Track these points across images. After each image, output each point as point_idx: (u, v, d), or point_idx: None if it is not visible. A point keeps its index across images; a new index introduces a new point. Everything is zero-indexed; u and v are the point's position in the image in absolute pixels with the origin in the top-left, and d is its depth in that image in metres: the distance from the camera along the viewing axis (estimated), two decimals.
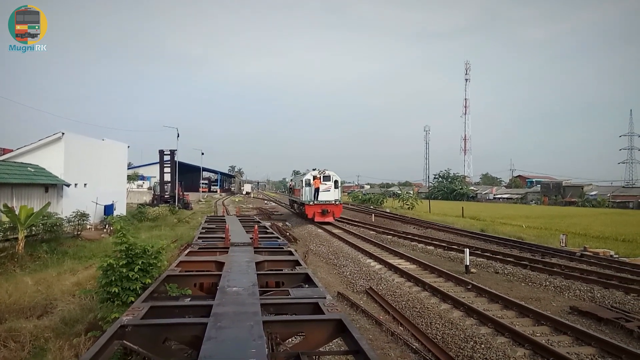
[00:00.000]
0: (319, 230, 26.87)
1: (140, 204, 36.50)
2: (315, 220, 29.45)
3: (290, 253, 8.20)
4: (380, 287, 12.97)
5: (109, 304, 7.02)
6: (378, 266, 15.78)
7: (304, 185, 31.65)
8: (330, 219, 29.93)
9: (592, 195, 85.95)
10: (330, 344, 5.65)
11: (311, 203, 30.14)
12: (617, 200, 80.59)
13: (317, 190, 30.40)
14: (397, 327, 9.53)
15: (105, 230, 23.01)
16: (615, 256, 18.81)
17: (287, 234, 24.13)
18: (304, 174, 33.41)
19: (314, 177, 31.07)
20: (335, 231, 26.00)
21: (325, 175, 31.40)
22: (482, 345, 8.20)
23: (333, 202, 30.59)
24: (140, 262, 7.09)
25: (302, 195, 32.20)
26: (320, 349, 4.47)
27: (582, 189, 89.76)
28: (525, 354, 7.82)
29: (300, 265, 7.04)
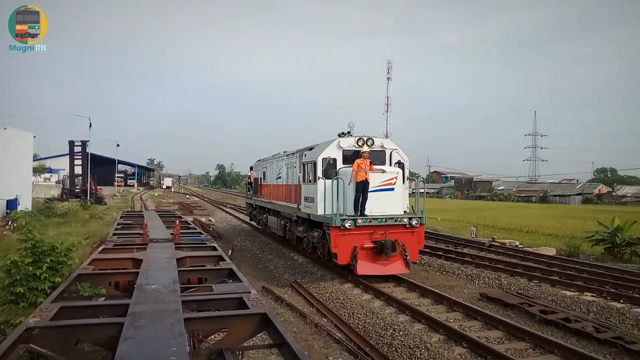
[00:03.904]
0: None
1: (47, 199, 33.99)
2: (358, 273, 11.86)
3: (214, 248, 8.00)
4: (305, 280, 13.09)
5: (13, 305, 6.48)
6: (302, 259, 15.90)
7: (317, 173, 12.90)
8: (398, 267, 12.21)
9: (499, 190, 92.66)
10: (255, 339, 5.62)
11: (347, 225, 11.72)
12: (522, 195, 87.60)
13: (364, 186, 12.09)
14: (321, 319, 9.68)
15: (7, 226, 21.19)
16: (520, 246, 20.41)
17: (211, 229, 23.63)
18: (311, 148, 14.59)
19: (355, 154, 12.78)
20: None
21: (376, 149, 13.26)
22: (401, 333, 8.56)
23: (404, 219, 12.35)
24: (48, 260, 6.63)
25: (309, 200, 13.59)
26: (245, 343, 4.43)
27: (491, 184, 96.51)
28: (440, 339, 8.27)
29: (224, 260, 6.90)
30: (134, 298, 4.52)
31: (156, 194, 67.39)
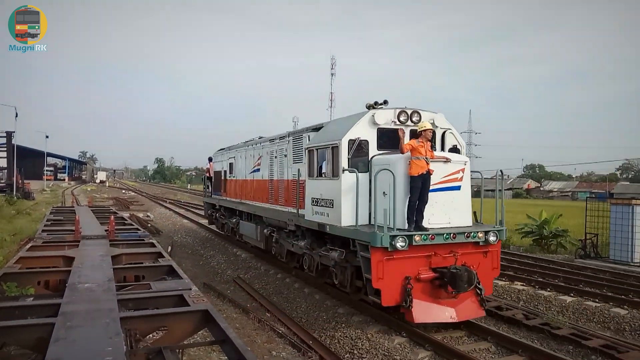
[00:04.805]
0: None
1: None
2: (416, 320, 7.59)
3: (152, 245, 7.76)
4: (248, 276, 12.99)
5: None
6: (245, 255, 15.75)
7: (341, 162, 8.54)
8: (471, 309, 7.99)
9: None
10: (196, 336, 5.51)
11: (398, 244, 7.42)
12: None
13: (424, 182, 7.89)
14: (264, 314, 9.63)
15: None
16: None
17: (149, 225, 22.86)
18: (317, 128, 10.47)
19: (393, 134, 8.65)
20: (204, 221, 25.26)
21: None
22: (343, 324, 8.69)
23: (478, 234, 8.16)
24: None
25: (323, 203, 9.29)
26: (185, 341, 4.34)
27: None
28: (380, 330, 8.47)
29: (164, 257, 6.71)
30: (65, 297, 4.33)
31: (89, 189, 64.43)
